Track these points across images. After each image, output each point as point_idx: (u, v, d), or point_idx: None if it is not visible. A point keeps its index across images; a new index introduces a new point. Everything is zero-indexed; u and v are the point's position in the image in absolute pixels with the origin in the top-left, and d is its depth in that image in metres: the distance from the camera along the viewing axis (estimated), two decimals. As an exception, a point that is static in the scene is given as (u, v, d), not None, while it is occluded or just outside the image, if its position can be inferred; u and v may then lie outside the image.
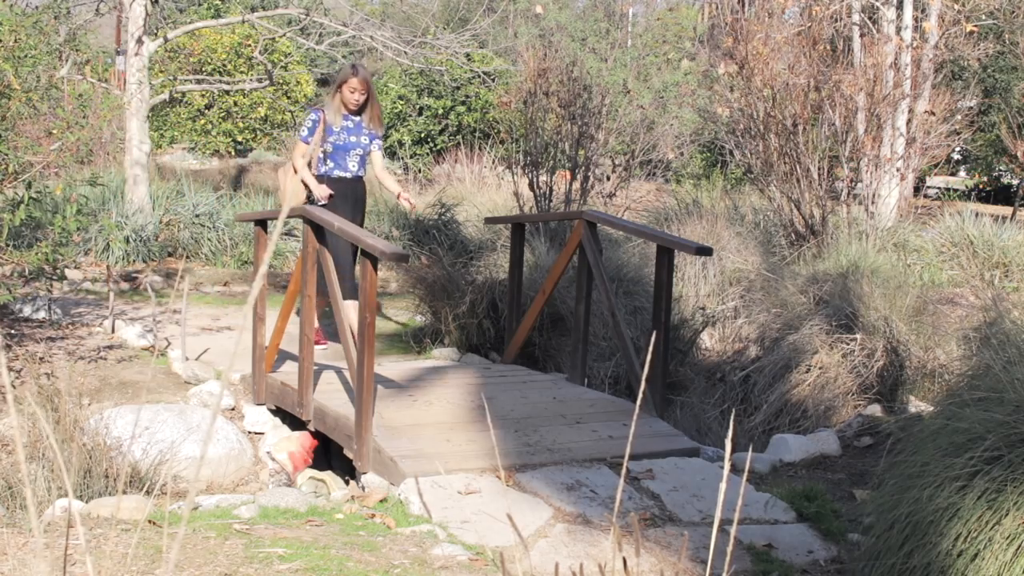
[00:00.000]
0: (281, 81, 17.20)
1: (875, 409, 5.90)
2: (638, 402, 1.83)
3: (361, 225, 6.72)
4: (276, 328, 6.02)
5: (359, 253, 5.45)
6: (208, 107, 17.81)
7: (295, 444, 5.66)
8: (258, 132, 18.36)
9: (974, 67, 15.66)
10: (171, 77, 11.97)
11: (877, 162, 9.04)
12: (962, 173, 18.87)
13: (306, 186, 6.53)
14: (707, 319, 7.88)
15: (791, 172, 9.00)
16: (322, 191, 6.47)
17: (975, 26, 11.31)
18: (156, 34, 10.66)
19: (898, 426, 5.13)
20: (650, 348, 1.90)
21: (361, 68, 6.62)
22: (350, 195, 6.64)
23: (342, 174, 6.60)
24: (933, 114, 9.41)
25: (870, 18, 11.39)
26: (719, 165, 15.94)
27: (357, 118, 6.62)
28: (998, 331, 4.26)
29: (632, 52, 12.02)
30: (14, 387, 5.64)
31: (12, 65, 6.37)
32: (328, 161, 6.59)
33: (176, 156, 18.16)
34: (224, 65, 17.66)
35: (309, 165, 6.62)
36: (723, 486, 1.84)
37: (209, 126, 17.93)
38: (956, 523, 3.20)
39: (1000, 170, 17.40)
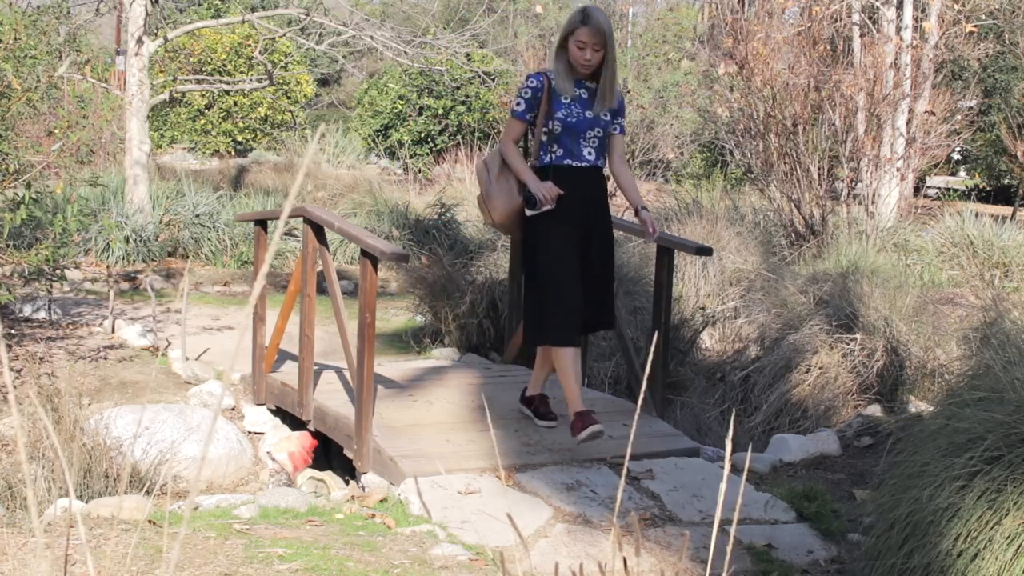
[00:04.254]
0: (281, 81, 17.21)
1: (875, 409, 5.90)
2: (639, 402, 1.83)
3: (609, 245, 4.81)
4: (276, 328, 6.02)
5: (360, 253, 4.97)
6: (208, 107, 17.81)
7: (295, 444, 5.66)
8: (258, 132, 18.37)
9: (974, 67, 15.66)
10: (171, 77, 11.98)
11: (877, 162, 9.04)
12: (962, 173, 18.87)
13: (521, 182, 4.67)
14: (707, 319, 7.88)
15: (791, 172, 9.00)
16: (548, 189, 4.54)
17: (975, 26, 11.31)
18: (156, 34, 10.66)
19: (898, 426, 5.14)
20: (651, 348, 1.90)
21: (596, 13, 4.59)
22: (586, 195, 4.69)
23: (574, 164, 4.66)
24: (933, 114, 9.41)
25: (870, 18, 11.39)
26: (719, 165, 15.94)
27: (593, 85, 4.68)
28: (998, 331, 4.26)
29: (632, 52, 12.02)
30: (14, 387, 5.64)
31: (12, 65, 6.37)
32: (553, 146, 4.65)
33: (176, 156, 18.17)
34: (224, 65, 17.67)
35: (524, 154, 4.80)
36: (723, 486, 1.84)
37: (209, 126, 17.94)
38: (956, 523, 3.20)
39: (1000, 170, 17.41)
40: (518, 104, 4.67)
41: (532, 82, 4.66)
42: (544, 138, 4.66)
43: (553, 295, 4.62)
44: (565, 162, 4.65)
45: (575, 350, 4.70)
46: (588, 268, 4.68)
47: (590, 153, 4.68)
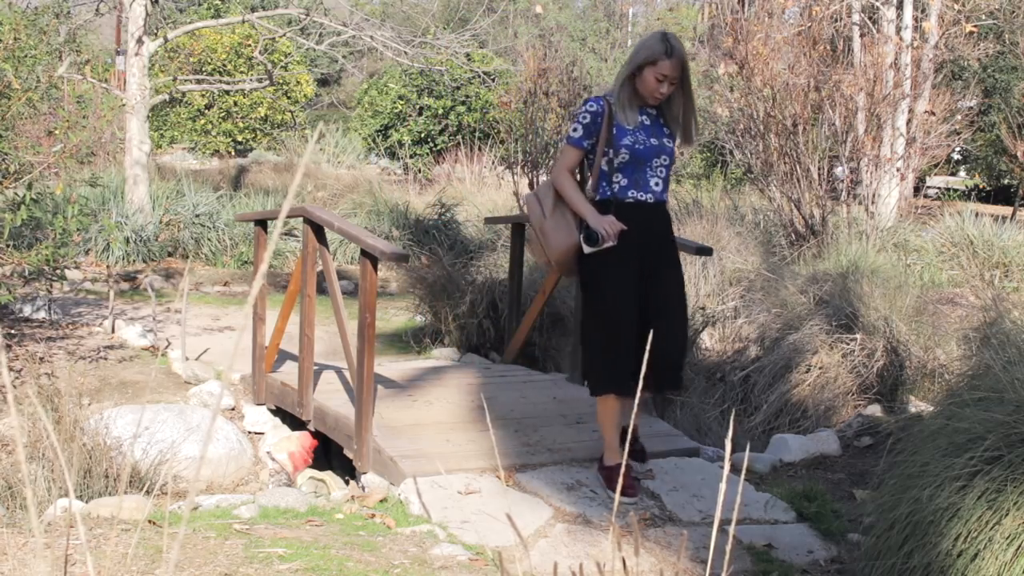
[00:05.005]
0: (281, 81, 17.21)
1: (875, 409, 5.90)
2: (636, 401, 1.83)
3: (678, 288, 4.37)
4: (276, 328, 6.02)
5: (360, 253, 4.90)
6: (208, 107, 17.82)
7: (295, 444, 5.66)
8: (258, 132, 18.37)
9: (974, 67, 15.66)
10: (171, 77, 11.97)
11: (877, 162, 9.05)
12: (962, 173, 18.88)
13: (578, 215, 4.27)
14: (707, 319, 7.88)
15: (791, 172, 9.00)
16: (610, 224, 4.13)
17: (975, 26, 11.31)
18: (156, 34, 10.67)
19: (898, 426, 5.14)
20: (647, 347, 1.90)
21: (678, 43, 4.22)
22: (651, 231, 4.27)
23: (640, 197, 4.24)
24: (933, 114, 9.41)
25: (870, 18, 11.39)
26: (719, 165, 15.94)
27: (654, 111, 4.33)
28: (998, 331, 4.26)
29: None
30: (14, 387, 5.64)
31: (12, 65, 6.37)
32: (616, 176, 4.24)
33: (176, 156, 18.18)
34: (224, 65, 17.67)
35: (581, 184, 4.39)
36: (723, 486, 1.84)
37: (209, 126, 17.94)
38: (956, 523, 3.20)
39: (1001, 170, 17.42)
40: (574, 130, 4.25)
41: (591, 106, 4.23)
42: (605, 168, 4.23)
43: (606, 342, 4.24)
44: (629, 194, 4.22)
45: (620, 400, 4.32)
46: (652, 316, 4.17)
47: (657, 184, 4.27)
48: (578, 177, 4.43)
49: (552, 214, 4.32)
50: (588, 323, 4.36)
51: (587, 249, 4.17)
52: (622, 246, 4.15)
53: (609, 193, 4.24)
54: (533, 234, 4.44)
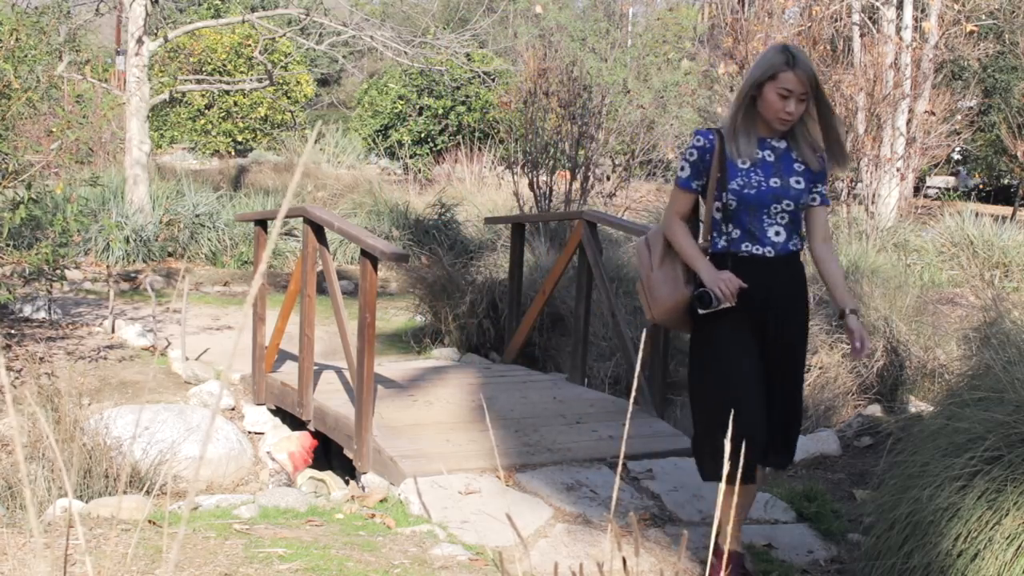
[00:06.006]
0: (281, 81, 17.21)
1: (875, 409, 5.90)
2: (631, 397, 1.83)
3: (799, 356, 3.74)
4: (276, 328, 6.02)
5: (360, 253, 4.83)
6: (208, 107, 17.82)
7: (295, 444, 5.66)
8: (258, 132, 18.37)
9: (974, 67, 15.66)
10: (171, 77, 11.98)
11: (877, 162, 9.05)
12: (962, 173, 18.88)
13: (690, 269, 3.65)
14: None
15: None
16: (726, 283, 3.48)
17: (975, 26, 11.32)
18: (156, 34, 10.66)
19: (898, 426, 5.13)
20: (641, 345, 1.90)
21: (801, 53, 3.60)
22: (773, 290, 3.58)
23: (756, 250, 3.56)
24: (933, 114, 9.42)
25: (870, 18, 11.39)
26: (719, 165, 15.89)
27: (782, 143, 3.63)
28: (998, 331, 4.26)
29: (632, 52, 12.02)
30: (14, 387, 5.64)
31: (12, 65, 6.37)
32: (728, 226, 3.58)
33: (176, 156, 18.17)
34: (224, 65, 17.67)
35: (693, 232, 3.72)
36: (722, 486, 1.84)
37: (209, 126, 17.94)
38: (956, 523, 3.20)
39: (1000, 170, 17.42)
40: (681, 169, 3.66)
41: (698, 140, 3.62)
42: (717, 215, 3.59)
43: (721, 418, 3.18)
44: (744, 247, 3.55)
45: (744, 488, 3.60)
46: (771, 385, 3.61)
47: (778, 233, 3.56)
48: (697, 221, 3.82)
49: (661, 265, 3.73)
50: (696, 393, 3.71)
51: (701, 311, 3.57)
52: (739, 306, 3.51)
53: (721, 245, 3.59)
54: (640, 286, 3.87)
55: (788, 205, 3.57)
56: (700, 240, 3.67)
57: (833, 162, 3.70)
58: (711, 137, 3.61)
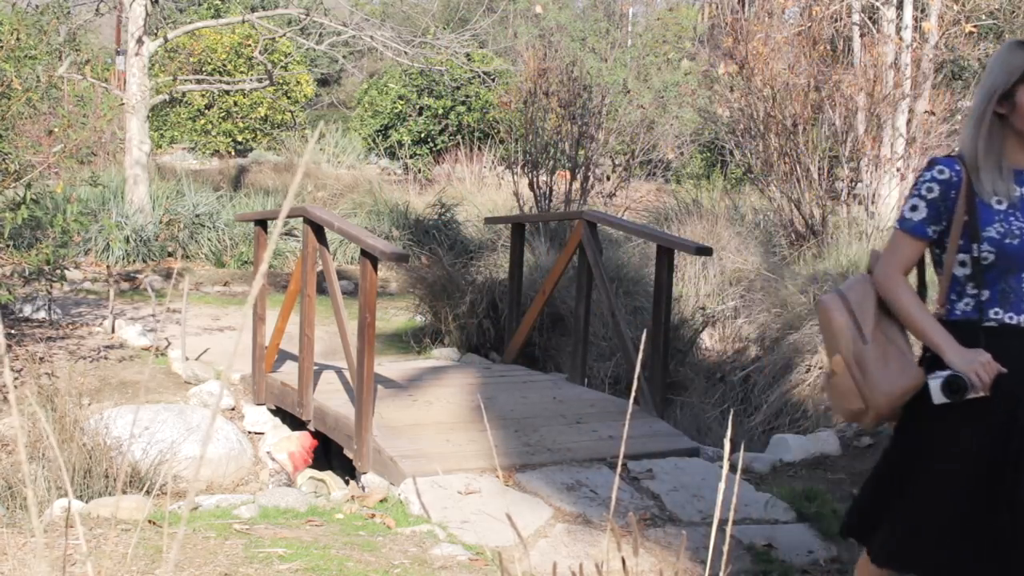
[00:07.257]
0: (281, 81, 17.20)
1: (875, 409, 5.89)
2: (631, 397, 1.83)
3: None
4: (276, 328, 6.02)
5: (360, 253, 4.90)
6: (208, 107, 17.81)
7: (295, 444, 5.66)
8: (258, 132, 18.37)
9: (974, 67, 15.66)
10: (171, 77, 11.98)
11: (877, 162, 9.05)
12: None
13: (926, 341, 2.72)
14: (707, 319, 7.88)
15: (791, 172, 9.00)
16: (984, 368, 2.58)
17: (975, 26, 11.32)
18: (156, 34, 10.67)
19: (898, 426, 5.13)
20: (641, 346, 1.90)
21: None
22: None
23: (1011, 320, 2.68)
24: (933, 114, 9.42)
25: (870, 18, 11.39)
26: (719, 165, 15.93)
27: None
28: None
29: (632, 52, 12.03)
30: (14, 387, 5.64)
31: (12, 65, 6.37)
32: (975, 288, 2.71)
33: (176, 156, 18.16)
34: (224, 65, 17.67)
35: (921, 293, 2.88)
36: (722, 486, 1.84)
37: (209, 126, 17.93)
38: (956, 523, 3.19)
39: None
40: (913, 209, 2.73)
41: (941, 172, 2.70)
42: (959, 271, 2.71)
43: (919, 524, 2.70)
44: (992, 313, 2.69)
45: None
46: (1003, 493, 2.62)
47: None
48: (922, 278, 2.94)
49: (875, 337, 2.74)
50: (906, 493, 2.77)
51: (939, 398, 2.64)
52: (1001, 394, 2.61)
53: (963, 311, 2.71)
54: (840, 365, 2.79)
55: None
56: (932, 305, 2.79)
57: None
58: (957, 168, 2.70)
